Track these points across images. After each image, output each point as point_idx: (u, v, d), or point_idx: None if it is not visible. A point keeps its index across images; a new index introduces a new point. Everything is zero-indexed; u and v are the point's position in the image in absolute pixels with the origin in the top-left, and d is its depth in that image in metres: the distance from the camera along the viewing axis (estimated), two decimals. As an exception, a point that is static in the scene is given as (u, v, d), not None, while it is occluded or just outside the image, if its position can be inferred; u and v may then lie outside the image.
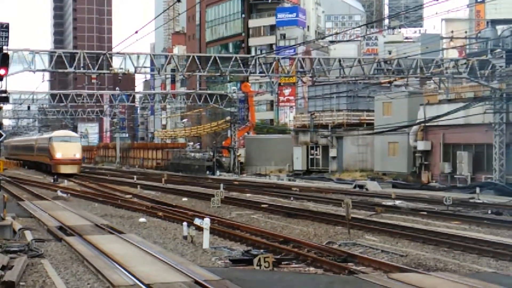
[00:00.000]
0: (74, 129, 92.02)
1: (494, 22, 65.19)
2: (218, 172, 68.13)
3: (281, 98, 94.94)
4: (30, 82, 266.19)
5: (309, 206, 33.55)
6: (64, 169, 62.37)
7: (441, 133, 49.97)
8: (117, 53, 42.63)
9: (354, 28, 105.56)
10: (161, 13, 38.82)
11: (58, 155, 63.60)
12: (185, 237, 21.09)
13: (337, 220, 25.77)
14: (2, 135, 22.09)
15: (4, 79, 22.56)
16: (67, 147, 63.89)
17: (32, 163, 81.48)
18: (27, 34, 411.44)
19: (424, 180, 50.61)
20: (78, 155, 65.01)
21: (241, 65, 43.90)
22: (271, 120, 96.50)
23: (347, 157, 62.67)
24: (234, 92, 73.06)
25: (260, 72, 44.77)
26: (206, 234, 19.72)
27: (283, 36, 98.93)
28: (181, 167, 74.03)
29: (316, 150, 66.17)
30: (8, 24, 23.56)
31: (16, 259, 16.38)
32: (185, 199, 38.21)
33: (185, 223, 21.66)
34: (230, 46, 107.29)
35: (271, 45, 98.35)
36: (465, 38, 59.84)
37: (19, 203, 33.45)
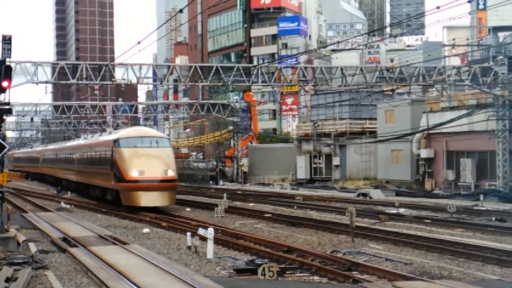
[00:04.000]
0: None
1: (496, 29, 65.21)
2: (221, 182, 68.08)
3: (284, 107, 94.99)
4: (33, 94, 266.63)
5: (313, 215, 33.51)
6: (148, 199, 34.58)
7: (444, 140, 49.93)
8: (120, 64, 42.72)
9: (355, 36, 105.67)
10: (163, 24, 38.82)
11: (134, 173, 34.90)
12: (189, 247, 21.08)
13: (341, 229, 25.74)
14: (5, 147, 22.08)
15: (7, 91, 22.60)
16: (150, 158, 35.82)
17: (73, 185, 52.57)
18: (30, 46, 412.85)
19: (428, 187, 50.54)
20: (172, 172, 35.62)
21: (243, 75, 43.97)
22: (274, 129, 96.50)
23: (350, 165, 62.62)
24: (237, 102, 73.07)
25: (262, 82, 44.80)
26: (210, 244, 19.71)
27: (285, 45, 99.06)
28: (184, 177, 73.93)
29: (319, 159, 66.13)
30: (10, 36, 23.64)
31: (21, 271, 16.39)
32: (188, 209, 38.17)
33: (189, 233, 21.67)
34: (232, 55, 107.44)
35: (273, 54, 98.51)
36: (467, 45, 59.88)
37: (22, 214, 33.49)
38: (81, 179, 48.25)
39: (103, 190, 41.00)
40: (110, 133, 45.07)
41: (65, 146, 62.40)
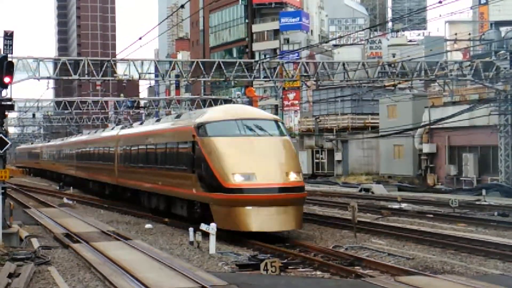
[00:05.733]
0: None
1: (498, 24, 65.11)
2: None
3: (286, 102, 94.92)
4: (34, 89, 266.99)
5: (315, 210, 33.52)
6: (261, 221, 21.46)
7: (446, 135, 49.91)
8: (121, 59, 42.65)
9: (357, 31, 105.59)
10: (164, 19, 38.76)
11: (237, 177, 21.99)
12: (191, 243, 21.10)
13: (343, 224, 25.77)
14: (8, 143, 22.11)
15: (9, 87, 22.60)
16: (260, 153, 22.84)
17: (108, 189, 41.06)
18: (32, 42, 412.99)
19: (430, 182, 50.55)
20: (296, 176, 22.70)
21: (245, 70, 43.90)
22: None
23: (352, 160, 62.66)
24: (239, 97, 72.98)
25: (264, 77, 44.73)
26: (213, 240, 19.74)
27: (287, 41, 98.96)
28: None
29: (322, 154, 66.17)
30: (12, 32, 23.65)
31: (23, 266, 16.42)
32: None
33: (191, 229, 21.66)
34: (234, 51, 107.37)
35: (275, 49, 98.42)
36: (469, 40, 59.73)
37: (25, 210, 33.54)
38: (126, 183, 35.44)
39: (168, 199, 28.70)
40: (177, 116, 29.97)
41: (94, 137, 47.60)
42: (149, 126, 33.87)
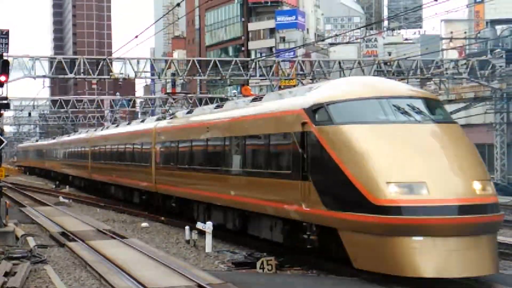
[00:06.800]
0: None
1: (493, 22, 65.21)
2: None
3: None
4: (30, 88, 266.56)
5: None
6: (439, 258, 13.27)
7: (442, 133, 49.93)
8: (117, 58, 42.70)
9: (353, 30, 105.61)
10: (160, 18, 38.77)
11: (392, 189, 13.56)
12: (187, 241, 21.12)
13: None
14: (3, 142, 22.09)
15: (5, 85, 22.57)
16: (425, 149, 14.27)
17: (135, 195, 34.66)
18: (27, 41, 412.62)
19: (426, 181, 50.56)
20: (483, 186, 14.04)
21: (241, 69, 43.96)
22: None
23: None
24: (235, 96, 72.86)
25: (260, 75, 44.80)
26: (209, 238, 19.73)
27: (283, 39, 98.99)
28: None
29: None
30: (8, 30, 23.64)
31: (19, 265, 16.40)
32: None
33: (187, 227, 21.66)
34: (230, 49, 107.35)
35: (271, 48, 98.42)
36: (465, 38, 59.89)
37: (21, 209, 33.50)
38: (171, 190, 27.65)
39: (244, 215, 20.31)
40: (255, 99, 21.23)
41: (119, 132, 39.18)
42: (209, 115, 24.15)
